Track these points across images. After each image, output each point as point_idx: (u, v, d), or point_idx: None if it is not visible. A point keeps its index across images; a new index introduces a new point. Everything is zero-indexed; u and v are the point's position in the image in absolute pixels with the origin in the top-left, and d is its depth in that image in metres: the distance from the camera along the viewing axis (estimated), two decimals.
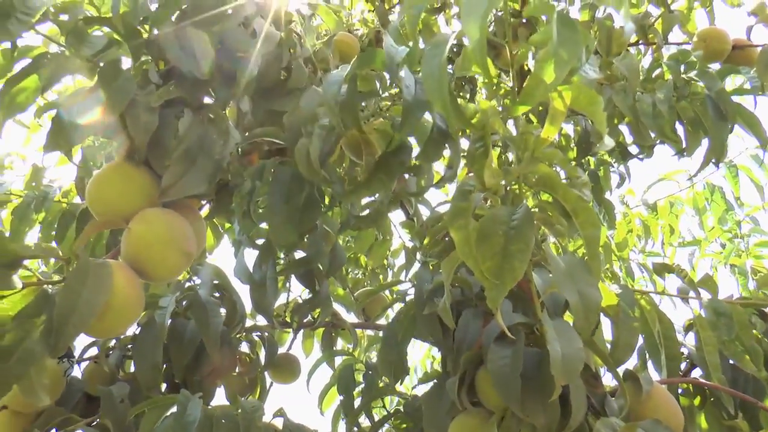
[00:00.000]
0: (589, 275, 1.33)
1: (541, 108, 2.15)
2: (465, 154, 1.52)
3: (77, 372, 1.81)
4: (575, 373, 1.28)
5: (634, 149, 2.46)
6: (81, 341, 1.80)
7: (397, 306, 1.87)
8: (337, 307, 2.43)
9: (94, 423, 1.62)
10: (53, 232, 2.23)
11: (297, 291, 2.31)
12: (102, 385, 1.72)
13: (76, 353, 1.76)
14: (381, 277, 3.06)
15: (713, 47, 2.35)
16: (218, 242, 2.36)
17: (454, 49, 2.64)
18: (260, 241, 1.90)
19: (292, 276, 2.02)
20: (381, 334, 2.44)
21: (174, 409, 1.54)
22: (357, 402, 2.09)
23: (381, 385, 2.03)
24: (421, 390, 2.14)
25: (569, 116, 2.33)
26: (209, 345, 1.64)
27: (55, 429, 1.57)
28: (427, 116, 1.33)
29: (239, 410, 1.53)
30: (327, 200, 1.60)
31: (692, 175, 2.89)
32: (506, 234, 1.25)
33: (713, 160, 1.98)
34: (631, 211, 3.62)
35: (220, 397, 1.94)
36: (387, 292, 2.90)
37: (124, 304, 1.18)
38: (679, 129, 2.10)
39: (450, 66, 1.34)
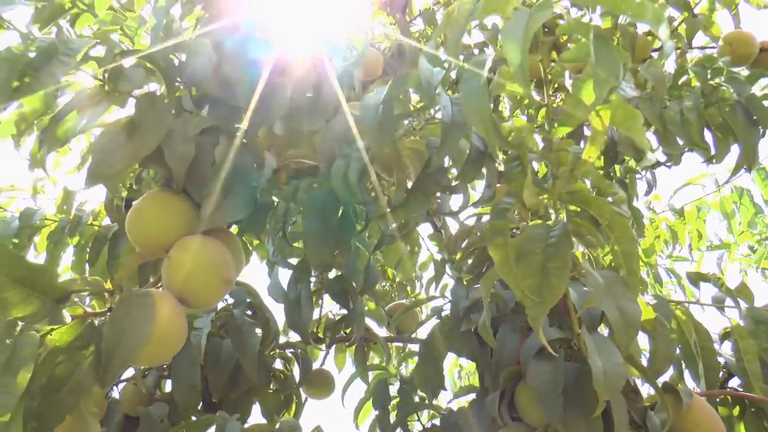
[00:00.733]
0: (627, 290, 1.33)
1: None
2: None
3: (115, 392, 1.84)
4: (618, 389, 1.28)
5: (661, 156, 2.44)
6: None
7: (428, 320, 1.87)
8: (368, 321, 2.44)
9: None
10: (86, 256, 2.27)
11: (327, 306, 2.34)
12: (140, 406, 1.74)
13: None
14: (408, 288, 3.07)
15: (740, 51, 2.33)
16: (248, 260, 2.38)
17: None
18: (292, 260, 1.92)
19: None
20: (411, 347, 2.46)
21: (212, 429, 1.56)
22: (392, 416, 2.09)
23: (416, 399, 2.04)
24: (455, 404, 2.16)
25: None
26: (246, 365, 1.65)
27: None
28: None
29: (277, 429, 1.55)
30: (360, 219, 1.61)
31: (723, 183, 2.86)
32: (544, 252, 1.25)
33: (745, 167, 1.97)
34: (658, 216, 3.59)
35: (256, 415, 1.96)
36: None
37: (168, 334, 1.20)
38: (707, 135, 2.09)
39: None
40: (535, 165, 1.68)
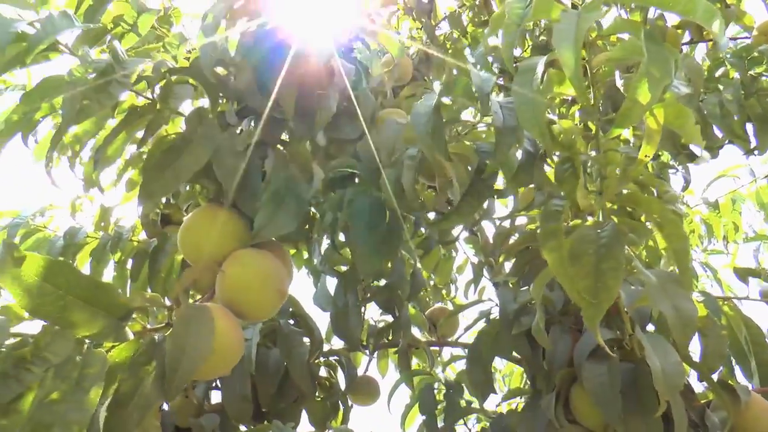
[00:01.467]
0: (681, 288, 1.32)
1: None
2: None
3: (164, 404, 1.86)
4: (678, 387, 1.27)
5: (698, 151, 2.42)
6: None
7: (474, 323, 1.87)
8: None
9: None
10: (127, 272, 2.29)
11: (368, 313, 2.34)
12: (191, 417, 1.76)
13: None
14: (444, 292, 3.07)
15: None
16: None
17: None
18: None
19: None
20: (453, 351, 2.45)
21: None
22: (438, 420, 2.09)
23: (463, 403, 2.04)
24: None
25: None
26: (296, 374, 1.66)
27: None
28: None
29: None
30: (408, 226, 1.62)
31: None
32: (597, 253, 1.24)
33: None
34: (691, 210, 3.55)
35: (303, 423, 1.97)
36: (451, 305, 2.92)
37: (227, 346, 1.21)
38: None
39: None
40: None
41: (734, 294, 2.34)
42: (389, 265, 1.78)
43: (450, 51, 3.17)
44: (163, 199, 2.60)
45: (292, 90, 1.35)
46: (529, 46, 2.87)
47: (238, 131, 1.43)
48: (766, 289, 1.83)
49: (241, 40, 1.43)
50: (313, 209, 1.64)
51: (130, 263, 2.29)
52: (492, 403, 2.03)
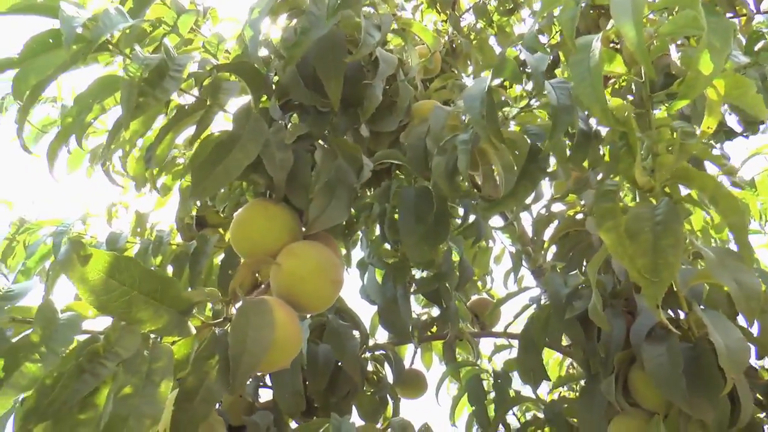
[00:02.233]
0: (741, 263, 1.30)
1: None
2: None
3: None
4: (744, 365, 1.25)
5: (737, 128, 2.39)
6: None
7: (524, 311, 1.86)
8: None
9: None
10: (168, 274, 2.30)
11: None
12: (243, 415, 1.76)
13: None
14: (479, 284, 3.05)
15: None
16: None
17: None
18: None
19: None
20: (495, 343, 2.44)
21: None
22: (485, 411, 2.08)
23: (512, 393, 2.02)
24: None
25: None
26: (349, 368, 1.66)
27: None
28: None
29: (389, 429, 1.55)
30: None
31: None
32: (653, 230, 1.23)
33: None
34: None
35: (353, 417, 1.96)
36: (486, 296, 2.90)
37: (287, 338, 1.21)
38: None
39: None
40: None
41: None
42: (438, 254, 1.77)
43: (475, 42, 3.16)
44: (197, 203, 2.63)
45: (339, 82, 1.35)
46: (557, 32, 2.85)
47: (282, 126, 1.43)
48: None
49: (283, 35, 1.43)
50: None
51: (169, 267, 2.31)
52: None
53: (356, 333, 1.85)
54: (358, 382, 1.70)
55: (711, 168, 2.56)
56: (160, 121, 1.44)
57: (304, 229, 1.36)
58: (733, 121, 2.51)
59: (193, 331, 1.14)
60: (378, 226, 1.64)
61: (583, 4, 1.01)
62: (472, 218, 1.64)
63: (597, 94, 1.00)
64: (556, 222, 2.12)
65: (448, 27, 3.06)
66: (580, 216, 2.03)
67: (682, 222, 1.23)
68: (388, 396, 1.99)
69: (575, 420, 1.83)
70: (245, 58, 1.47)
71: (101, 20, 1.06)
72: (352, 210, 1.77)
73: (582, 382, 2.53)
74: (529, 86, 1.45)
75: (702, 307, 1.58)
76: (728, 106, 2.23)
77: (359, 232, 2.14)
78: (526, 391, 2.19)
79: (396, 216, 1.47)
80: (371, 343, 2.18)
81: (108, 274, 1.01)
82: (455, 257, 1.87)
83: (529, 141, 1.34)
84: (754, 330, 1.45)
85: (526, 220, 2.64)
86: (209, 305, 1.72)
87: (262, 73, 1.43)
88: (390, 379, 2.02)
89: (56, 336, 0.90)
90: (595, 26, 2.55)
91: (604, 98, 1.01)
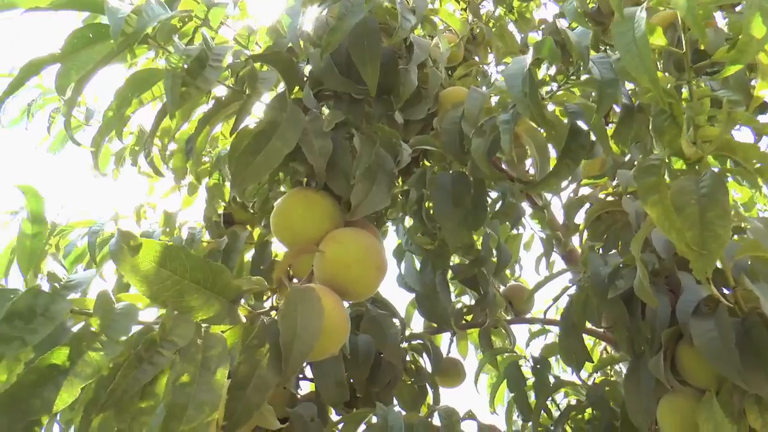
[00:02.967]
0: None
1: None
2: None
3: None
4: None
5: None
6: None
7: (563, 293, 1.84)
8: None
9: None
10: None
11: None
12: (286, 407, 1.76)
13: None
14: (508, 272, 3.03)
15: None
16: None
17: None
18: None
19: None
20: (532, 328, 2.43)
21: (367, 422, 1.57)
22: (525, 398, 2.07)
23: (551, 378, 2.01)
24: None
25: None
26: (391, 356, 1.66)
27: None
28: None
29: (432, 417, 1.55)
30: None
31: None
32: (699, 202, 1.21)
33: None
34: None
35: None
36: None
37: (336, 325, 1.20)
38: None
39: None
40: None
41: None
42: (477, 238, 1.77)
43: (494, 30, 3.14)
44: (222, 201, 2.63)
45: (375, 67, 1.34)
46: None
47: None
48: None
49: (316, 24, 1.43)
50: None
51: None
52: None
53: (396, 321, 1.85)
54: (399, 370, 1.69)
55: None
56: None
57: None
58: None
59: (243, 319, 1.14)
60: (413, 214, 1.63)
61: None
62: (507, 201, 1.62)
63: (646, 64, 0.99)
64: (587, 205, 2.10)
65: (467, 15, 3.04)
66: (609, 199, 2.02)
67: (727, 193, 1.22)
68: (427, 385, 1.98)
69: (612, 403, 1.82)
70: (277, 49, 1.47)
71: (144, 12, 1.06)
72: None
73: (617, 367, 2.54)
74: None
75: None
76: None
77: (388, 223, 2.13)
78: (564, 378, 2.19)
79: (430, 203, 1.46)
80: (407, 333, 2.18)
81: (159, 264, 1.01)
82: (492, 242, 1.86)
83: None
84: None
85: (555, 206, 2.64)
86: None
87: (295, 64, 1.43)
88: (428, 368, 2.02)
89: (115, 325, 0.90)
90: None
91: (654, 68, 1.00)
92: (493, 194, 1.76)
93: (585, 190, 2.26)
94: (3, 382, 0.82)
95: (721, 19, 1.53)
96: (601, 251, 1.86)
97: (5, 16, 1.13)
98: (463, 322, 2.22)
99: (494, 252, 1.87)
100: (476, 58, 2.93)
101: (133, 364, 0.91)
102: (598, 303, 1.60)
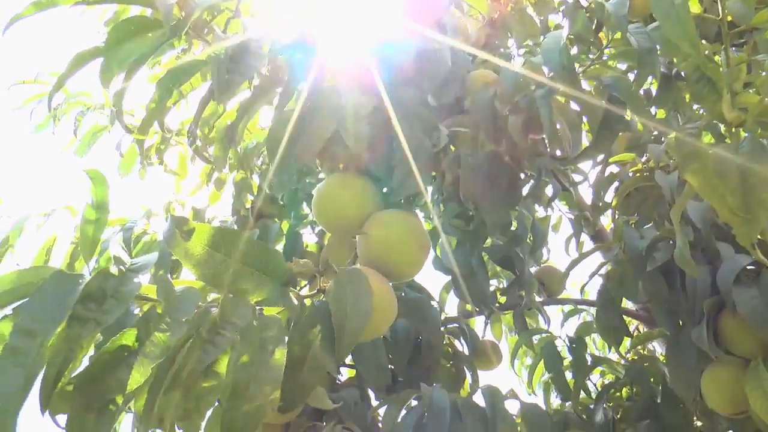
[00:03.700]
0: None
1: None
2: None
3: None
4: None
5: None
6: None
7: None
8: None
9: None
10: None
11: None
12: (328, 392, 1.77)
13: None
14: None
15: None
16: None
17: None
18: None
19: None
20: (565, 309, 2.43)
21: (407, 406, 1.58)
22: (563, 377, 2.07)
23: (588, 357, 2.01)
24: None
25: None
26: (433, 339, 1.67)
27: None
28: None
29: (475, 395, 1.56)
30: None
31: None
32: (740, 168, 1.21)
33: None
34: None
35: None
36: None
37: (384, 305, 1.22)
38: None
39: None
40: None
41: None
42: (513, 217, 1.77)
43: (513, 13, 3.13)
44: (250, 196, 2.66)
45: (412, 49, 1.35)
46: None
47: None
48: None
49: None
50: None
51: None
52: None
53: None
54: (439, 353, 1.70)
55: None
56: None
57: None
58: None
59: (296, 302, 1.16)
60: (449, 196, 1.63)
61: None
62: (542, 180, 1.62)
63: (686, 29, 0.99)
64: (616, 183, 2.11)
65: None
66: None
67: None
68: (465, 368, 1.99)
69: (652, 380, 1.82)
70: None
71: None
72: None
73: (650, 347, 2.54)
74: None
75: None
76: None
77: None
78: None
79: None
80: (442, 317, 2.18)
81: (212, 247, 1.03)
82: (527, 222, 1.87)
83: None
84: None
85: (582, 187, 2.63)
86: None
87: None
88: (465, 351, 2.03)
89: (178, 307, 0.92)
90: None
91: (694, 33, 1.00)
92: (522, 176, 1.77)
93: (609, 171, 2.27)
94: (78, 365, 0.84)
95: None
96: (639, 224, 1.86)
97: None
98: (497, 304, 2.22)
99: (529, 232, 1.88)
100: (497, 42, 2.92)
101: (197, 345, 0.93)
102: (636, 277, 1.61)
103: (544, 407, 2.16)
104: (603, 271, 1.83)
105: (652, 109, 1.79)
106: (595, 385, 2.14)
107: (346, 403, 1.70)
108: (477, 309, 2.05)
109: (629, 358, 2.08)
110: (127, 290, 0.87)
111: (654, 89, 1.77)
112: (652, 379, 1.79)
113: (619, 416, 1.85)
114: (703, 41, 1.53)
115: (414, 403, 1.56)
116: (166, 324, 0.89)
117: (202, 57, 1.21)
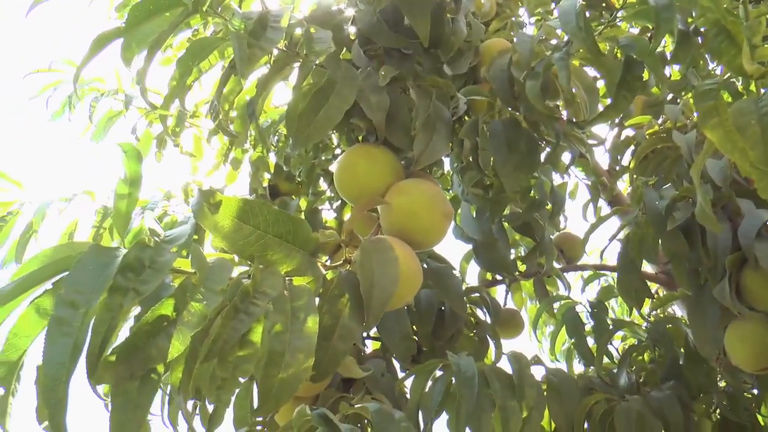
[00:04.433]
0: None
1: None
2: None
3: None
4: None
5: None
6: None
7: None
8: None
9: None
10: None
11: None
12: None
13: None
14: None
15: None
16: None
17: None
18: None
19: None
20: (584, 275, 2.44)
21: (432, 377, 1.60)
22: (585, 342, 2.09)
23: (609, 322, 2.02)
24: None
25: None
26: (456, 307, 1.68)
27: None
28: None
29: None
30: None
31: None
32: (760, 122, 1.21)
33: None
34: None
35: None
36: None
37: (410, 273, 1.23)
38: None
39: None
40: None
41: None
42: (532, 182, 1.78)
43: None
44: (267, 174, 2.67)
45: (426, 20, 1.36)
46: None
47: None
48: None
49: None
50: None
51: None
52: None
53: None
54: (462, 322, 1.72)
55: None
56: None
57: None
58: None
59: (323, 271, 1.17)
60: (468, 163, 1.64)
61: None
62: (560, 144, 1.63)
63: None
64: (632, 147, 2.11)
65: None
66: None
67: None
68: (488, 337, 2.00)
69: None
70: (322, 11, 1.49)
71: None
72: None
73: (669, 310, 2.54)
74: None
75: None
76: None
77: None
78: None
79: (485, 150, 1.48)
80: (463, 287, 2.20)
81: (240, 219, 1.04)
82: (546, 187, 1.87)
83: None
84: None
85: (597, 153, 2.63)
86: None
87: (342, 25, 1.45)
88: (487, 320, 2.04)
89: (212, 277, 0.94)
90: None
91: None
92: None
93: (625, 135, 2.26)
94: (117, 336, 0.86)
95: None
96: (657, 185, 1.86)
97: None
98: (517, 273, 2.23)
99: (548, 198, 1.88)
100: (509, 11, 2.91)
101: (231, 314, 0.94)
102: (656, 237, 1.61)
103: None
104: (621, 236, 1.84)
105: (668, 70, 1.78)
106: (617, 350, 2.16)
107: (373, 373, 1.72)
108: (498, 277, 2.06)
109: (651, 320, 2.09)
110: (163, 260, 0.89)
111: (668, 53, 1.78)
112: (674, 341, 1.80)
113: (642, 379, 1.87)
114: None
115: (439, 373, 1.58)
116: (201, 294, 0.91)
117: (220, 35, 1.22)
